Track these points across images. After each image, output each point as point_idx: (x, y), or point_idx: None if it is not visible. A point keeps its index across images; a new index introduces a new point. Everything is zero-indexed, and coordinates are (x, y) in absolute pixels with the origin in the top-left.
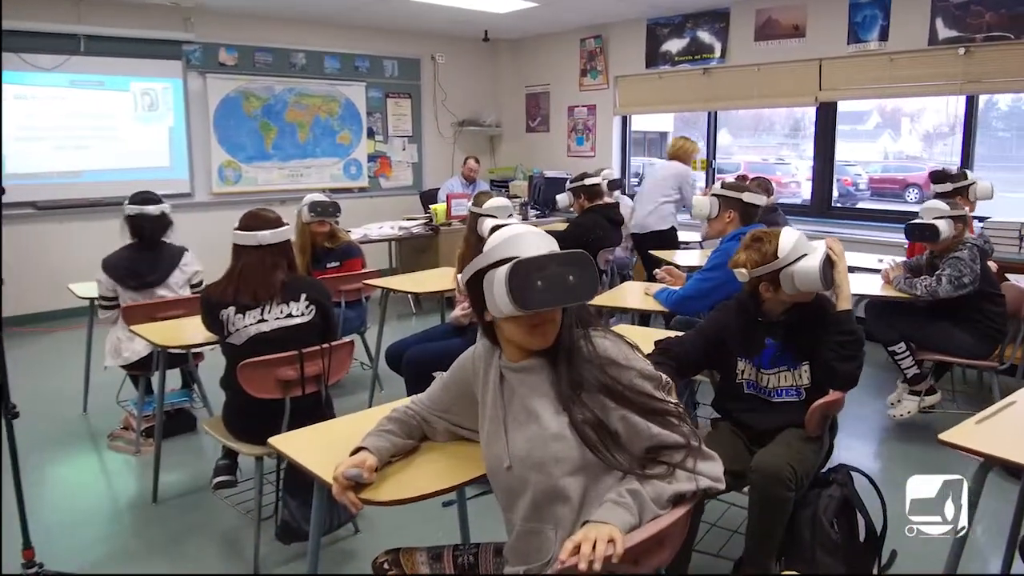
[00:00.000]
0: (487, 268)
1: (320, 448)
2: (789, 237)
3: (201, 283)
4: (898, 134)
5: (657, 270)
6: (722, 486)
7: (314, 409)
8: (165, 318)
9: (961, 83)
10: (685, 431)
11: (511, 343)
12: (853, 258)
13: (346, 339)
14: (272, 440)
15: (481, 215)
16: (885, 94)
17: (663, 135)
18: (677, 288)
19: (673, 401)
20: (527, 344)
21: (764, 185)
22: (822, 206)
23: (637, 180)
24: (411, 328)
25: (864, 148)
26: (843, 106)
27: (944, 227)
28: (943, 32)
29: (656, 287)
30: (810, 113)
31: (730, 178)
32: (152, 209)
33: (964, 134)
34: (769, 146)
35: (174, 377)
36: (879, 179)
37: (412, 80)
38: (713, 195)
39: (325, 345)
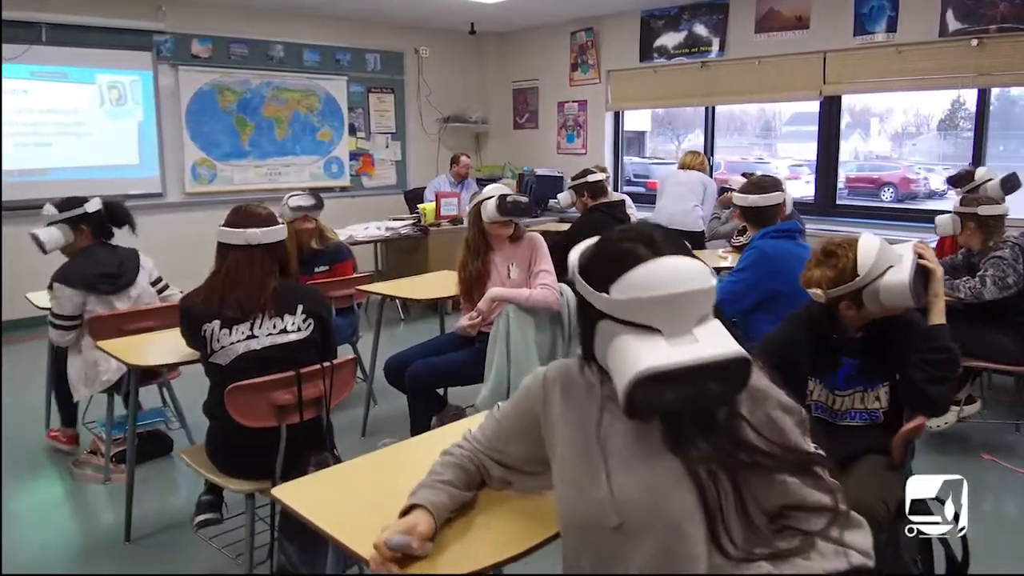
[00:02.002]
0: (612, 318)
1: (334, 498)
2: (869, 249)
3: (160, 281)
4: (868, 134)
5: None
6: (872, 563)
7: (314, 438)
8: (134, 331)
9: (974, 76)
10: (830, 487)
11: None
12: None
13: (348, 356)
14: (276, 492)
15: (483, 200)
16: (893, 87)
17: (640, 135)
18: None
19: (814, 445)
20: None
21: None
22: (827, 204)
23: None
24: (400, 335)
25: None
26: (813, 106)
27: (943, 221)
28: (954, 23)
29: None
30: (781, 113)
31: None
32: (98, 201)
33: (976, 129)
34: (741, 146)
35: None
36: (855, 178)
37: (395, 74)
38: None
39: (326, 363)
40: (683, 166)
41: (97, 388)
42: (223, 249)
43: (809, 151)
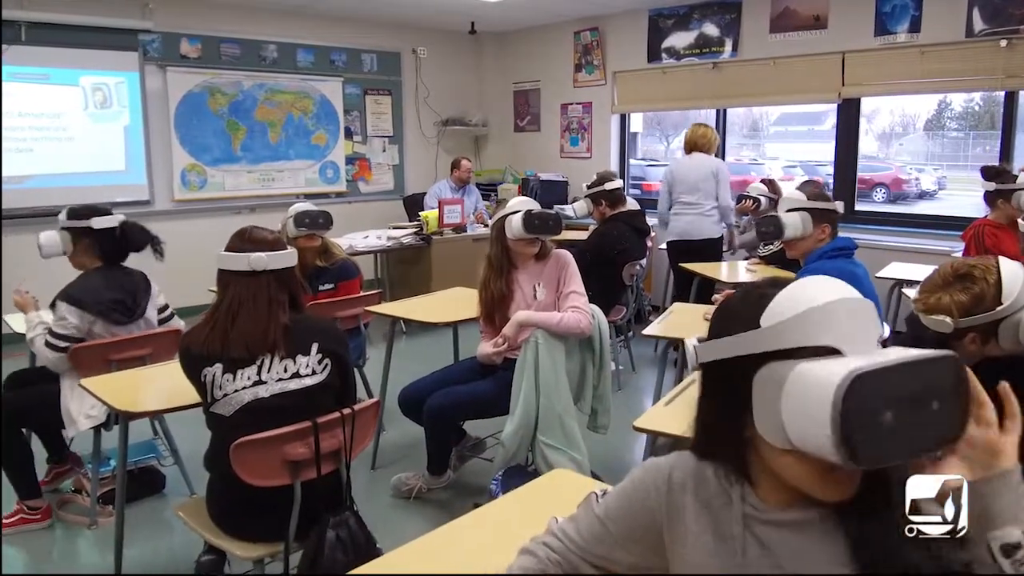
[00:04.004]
0: (766, 356)
1: None
2: (1015, 274)
3: (166, 309)
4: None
5: (717, 295)
6: None
7: (332, 495)
8: (123, 361)
9: (1002, 78)
10: None
11: (779, 480)
12: (907, 270)
13: (370, 401)
14: None
15: (507, 215)
16: (916, 90)
17: (633, 136)
18: None
19: None
20: (815, 492)
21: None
22: (846, 210)
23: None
24: (403, 351)
25: (823, 148)
26: (800, 107)
27: None
28: (980, 24)
29: None
30: (769, 114)
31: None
32: (117, 219)
33: (1003, 133)
34: (730, 146)
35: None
36: None
37: (392, 76)
38: (802, 209)
39: (346, 410)
40: (689, 147)
41: (100, 418)
42: (224, 278)
43: (798, 152)
